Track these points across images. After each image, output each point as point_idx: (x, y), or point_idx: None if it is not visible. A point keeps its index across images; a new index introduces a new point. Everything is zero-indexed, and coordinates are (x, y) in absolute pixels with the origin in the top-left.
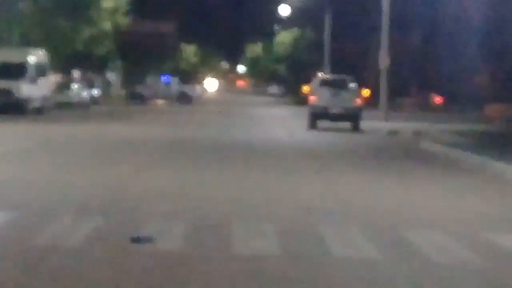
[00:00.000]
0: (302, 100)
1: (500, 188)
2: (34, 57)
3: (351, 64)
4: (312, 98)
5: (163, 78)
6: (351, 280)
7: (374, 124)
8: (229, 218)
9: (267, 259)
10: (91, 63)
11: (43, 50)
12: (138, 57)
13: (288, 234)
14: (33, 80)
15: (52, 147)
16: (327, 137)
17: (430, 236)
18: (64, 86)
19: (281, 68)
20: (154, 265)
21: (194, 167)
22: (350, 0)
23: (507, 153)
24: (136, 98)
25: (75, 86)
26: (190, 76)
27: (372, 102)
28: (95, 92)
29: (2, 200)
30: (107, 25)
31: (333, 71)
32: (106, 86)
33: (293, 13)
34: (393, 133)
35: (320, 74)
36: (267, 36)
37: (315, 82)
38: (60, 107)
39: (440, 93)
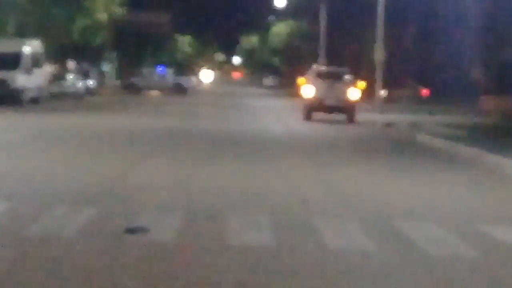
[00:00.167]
0: (297, 92)
1: (496, 181)
2: (29, 47)
3: (347, 56)
4: (307, 90)
5: (158, 69)
6: (346, 272)
7: (369, 116)
8: (224, 210)
9: (262, 250)
10: (86, 53)
11: (39, 41)
12: (134, 48)
13: (283, 226)
14: (28, 71)
15: (47, 138)
16: (322, 129)
17: (425, 228)
18: (59, 77)
19: (277, 60)
20: (148, 256)
21: (189, 159)
22: None
23: (503, 146)
24: (131, 89)
25: (70, 77)
26: (185, 67)
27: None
28: (90, 82)
29: None
30: (102, 16)
31: (328, 63)
32: (101, 76)
33: (288, 4)
34: (388, 125)
35: (315, 66)
36: (263, 27)
37: (311, 74)
38: (55, 98)
39: (427, 86)
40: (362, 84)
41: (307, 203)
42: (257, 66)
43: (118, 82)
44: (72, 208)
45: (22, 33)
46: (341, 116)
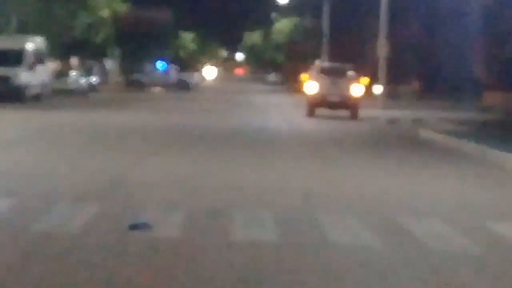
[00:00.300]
0: (300, 88)
1: (499, 177)
2: (32, 44)
3: (350, 52)
4: (311, 86)
5: (158, 64)
6: (349, 267)
7: (372, 112)
8: (227, 206)
9: (266, 246)
10: (89, 50)
11: (41, 37)
12: (136, 45)
13: (287, 221)
14: (31, 67)
15: (50, 135)
16: (326, 125)
17: (428, 223)
18: (62, 73)
19: (280, 56)
20: (152, 252)
21: (192, 155)
22: None
23: (507, 141)
24: (134, 86)
25: (73, 74)
26: (188, 63)
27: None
28: (93, 79)
29: (1, 187)
30: (105, 12)
31: (331, 59)
32: (104, 73)
33: (291, 0)
34: (391, 121)
35: (318, 62)
36: (266, 24)
37: (314, 70)
38: (58, 94)
39: (419, 81)
40: (365, 80)
41: (311, 199)
42: (260, 62)
43: (121, 79)
44: (76, 205)
45: (25, 30)
46: (344, 112)
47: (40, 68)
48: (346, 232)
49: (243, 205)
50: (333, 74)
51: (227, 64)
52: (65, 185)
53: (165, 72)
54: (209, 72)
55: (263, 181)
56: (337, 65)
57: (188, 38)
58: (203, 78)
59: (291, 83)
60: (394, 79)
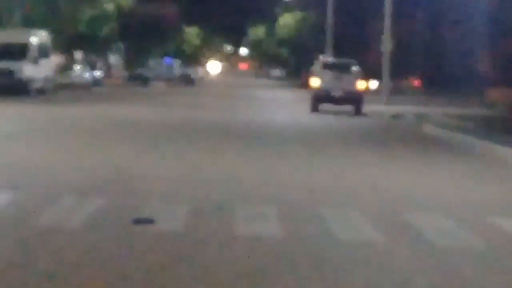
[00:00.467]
0: (304, 84)
1: (503, 172)
2: (37, 38)
3: (354, 47)
4: (315, 81)
5: (166, 60)
6: (353, 262)
7: (376, 107)
8: (231, 200)
9: (270, 241)
10: (93, 44)
11: (46, 31)
12: (141, 39)
13: (291, 216)
14: (35, 61)
15: (53, 128)
16: (330, 120)
17: (432, 219)
18: (66, 67)
19: (284, 51)
20: (156, 246)
21: (196, 149)
22: None
23: (510, 137)
24: (138, 80)
25: (77, 68)
26: (192, 58)
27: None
28: (97, 73)
29: (4, 181)
30: (109, 7)
31: (335, 54)
32: (108, 67)
33: None
34: (395, 116)
35: (322, 57)
36: (270, 19)
37: (318, 65)
38: (62, 88)
39: (419, 77)
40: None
41: (315, 194)
42: (264, 57)
43: (125, 73)
44: (79, 199)
45: (29, 24)
46: (348, 108)
47: (44, 62)
48: (350, 227)
49: (247, 199)
50: (337, 70)
51: (231, 59)
52: (68, 178)
53: (169, 66)
54: (213, 67)
55: (266, 176)
56: (341, 60)
57: (192, 32)
58: (207, 73)
59: (295, 78)
60: (397, 74)
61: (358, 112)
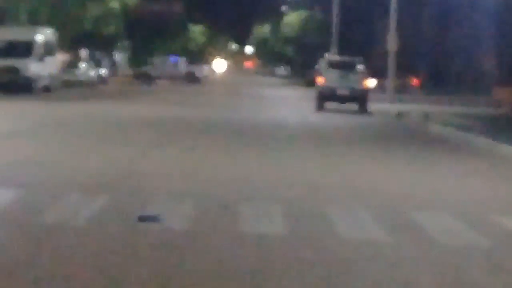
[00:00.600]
0: (310, 82)
1: (509, 171)
2: (42, 35)
3: (359, 46)
4: (320, 80)
5: (171, 58)
6: (358, 261)
7: (381, 106)
8: (237, 198)
9: (274, 239)
10: (99, 42)
11: (51, 29)
12: (146, 37)
13: (295, 214)
14: (41, 59)
15: (58, 126)
16: (335, 118)
17: (437, 218)
18: (71, 65)
19: (289, 50)
20: (161, 244)
21: (201, 147)
22: None
23: None
24: (144, 78)
25: (82, 65)
26: (198, 56)
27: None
28: (103, 71)
29: (9, 178)
30: (115, 4)
31: (340, 53)
32: (113, 65)
33: None
34: (400, 115)
35: (327, 56)
36: (275, 17)
37: (323, 63)
38: (67, 86)
39: (418, 76)
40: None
41: (320, 192)
42: (269, 55)
43: (130, 71)
44: (85, 196)
45: (35, 21)
46: (353, 106)
47: (49, 59)
48: (354, 225)
49: (252, 197)
50: (343, 68)
51: (236, 57)
52: (74, 176)
53: (175, 64)
54: (219, 65)
55: (272, 174)
56: (346, 58)
57: (197, 31)
58: (212, 71)
59: (300, 77)
60: (403, 73)
61: (363, 110)
